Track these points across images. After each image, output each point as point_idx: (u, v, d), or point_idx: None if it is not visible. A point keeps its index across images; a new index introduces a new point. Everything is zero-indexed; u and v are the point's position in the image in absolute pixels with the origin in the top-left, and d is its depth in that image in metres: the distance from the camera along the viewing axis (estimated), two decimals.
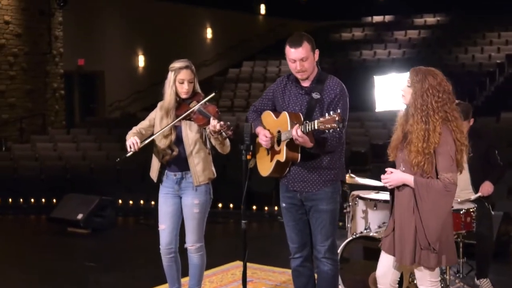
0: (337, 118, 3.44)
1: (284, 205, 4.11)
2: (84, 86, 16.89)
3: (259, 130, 4.01)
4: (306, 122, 3.64)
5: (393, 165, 3.57)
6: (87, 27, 15.97)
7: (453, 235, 3.51)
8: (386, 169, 3.49)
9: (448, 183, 3.34)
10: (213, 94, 4.38)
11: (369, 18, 23.19)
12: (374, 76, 7.69)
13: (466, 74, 15.07)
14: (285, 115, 3.86)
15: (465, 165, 3.66)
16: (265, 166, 4.04)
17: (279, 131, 3.91)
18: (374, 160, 11.31)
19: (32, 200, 10.34)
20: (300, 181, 3.97)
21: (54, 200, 9.88)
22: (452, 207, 3.64)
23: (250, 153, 3.84)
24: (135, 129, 4.44)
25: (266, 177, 4.09)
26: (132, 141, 4.21)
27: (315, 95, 3.89)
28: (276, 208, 9.02)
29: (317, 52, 3.94)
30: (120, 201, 9.80)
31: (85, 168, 11.03)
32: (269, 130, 3.99)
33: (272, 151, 3.97)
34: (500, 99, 14.20)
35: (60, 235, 8.19)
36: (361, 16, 22.97)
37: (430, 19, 21.66)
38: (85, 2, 15.80)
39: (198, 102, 4.34)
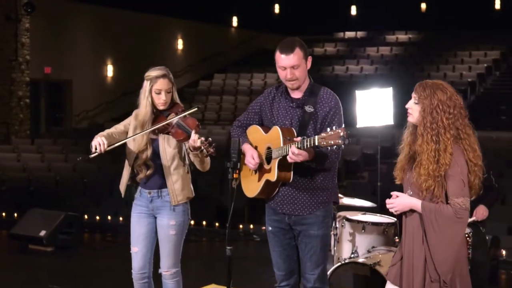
0: (341, 134, 3.12)
1: (270, 228, 3.77)
2: (50, 95, 16.39)
3: (246, 148, 3.67)
4: (304, 138, 3.31)
5: (400, 188, 3.24)
6: (55, 35, 15.49)
7: (467, 268, 3.18)
8: (391, 193, 3.15)
9: (459, 209, 3.01)
10: (195, 109, 4.01)
11: (341, 34, 23.19)
12: (356, 91, 7.44)
13: None
14: (276, 130, 3.53)
15: None
16: (251, 186, 3.69)
17: (269, 148, 3.58)
18: (347, 176, 11.09)
19: None
20: (289, 203, 3.64)
21: (16, 215, 9.38)
22: None
23: (237, 171, 3.50)
24: (106, 131, 4.02)
25: (240, 193, 3.74)
26: (99, 141, 3.80)
27: (309, 109, 3.58)
28: (251, 226, 8.67)
29: (309, 59, 3.65)
30: (86, 216, 9.32)
31: (50, 180, 10.57)
32: (256, 146, 3.67)
33: (260, 170, 3.63)
34: (472, 118, 14.05)
35: (22, 253, 7.70)
36: (333, 31, 22.94)
37: (402, 36, 21.75)
38: (53, 9, 15.33)
39: (177, 114, 3.98)
